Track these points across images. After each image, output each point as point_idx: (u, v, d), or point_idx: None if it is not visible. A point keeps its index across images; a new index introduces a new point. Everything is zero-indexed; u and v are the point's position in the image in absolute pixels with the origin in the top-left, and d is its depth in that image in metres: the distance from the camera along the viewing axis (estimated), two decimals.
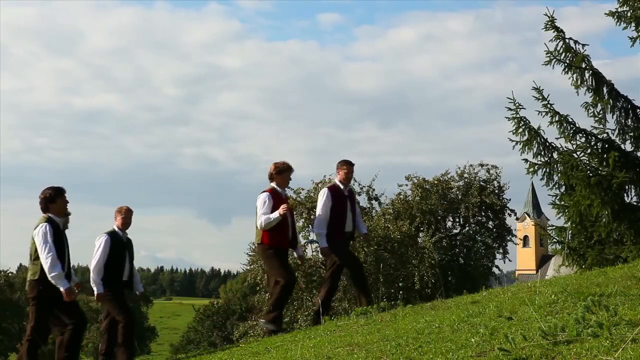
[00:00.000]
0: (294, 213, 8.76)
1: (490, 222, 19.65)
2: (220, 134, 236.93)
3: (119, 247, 7.54)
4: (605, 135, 10.35)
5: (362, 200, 18.05)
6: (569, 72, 10.34)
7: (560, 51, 10.38)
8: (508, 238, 19.87)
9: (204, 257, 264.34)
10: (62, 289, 6.60)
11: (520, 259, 68.26)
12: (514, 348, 3.43)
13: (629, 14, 10.34)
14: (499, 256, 19.78)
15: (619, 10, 10.40)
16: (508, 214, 19.75)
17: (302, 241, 15.25)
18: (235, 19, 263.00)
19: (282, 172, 7.78)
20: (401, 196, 19.01)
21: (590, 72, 10.30)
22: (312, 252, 16.96)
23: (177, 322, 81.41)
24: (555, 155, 10.28)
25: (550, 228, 11.13)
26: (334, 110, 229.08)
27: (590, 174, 9.95)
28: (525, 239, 67.80)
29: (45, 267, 6.54)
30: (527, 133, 10.30)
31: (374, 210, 18.62)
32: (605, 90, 10.30)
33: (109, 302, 7.50)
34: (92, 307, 45.20)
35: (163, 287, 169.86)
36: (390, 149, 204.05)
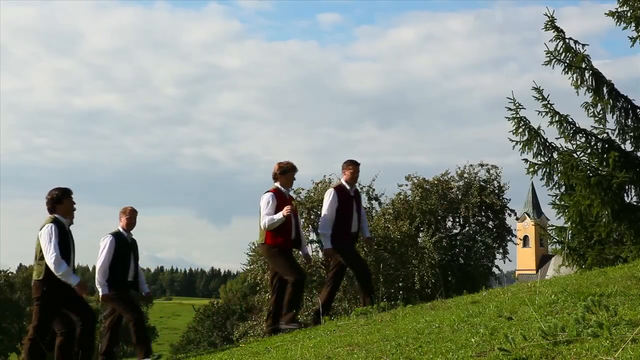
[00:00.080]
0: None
1: (490, 222, 19.66)
2: (220, 134, 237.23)
3: (124, 248, 7.53)
4: (605, 135, 10.36)
5: (363, 201, 18.05)
6: (569, 72, 10.34)
7: (560, 51, 10.38)
8: (508, 238, 19.88)
9: (204, 257, 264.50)
10: (74, 285, 6.61)
11: (520, 259, 68.27)
12: (514, 348, 3.44)
13: (629, 14, 10.34)
14: (499, 256, 19.81)
15: (619, 10, 10.40)
16: (508, 214, 19.77)
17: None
18: (235, 19, 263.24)
19: (286, 172, 7.73)
20: (401, 196, 19.03)
21: (590, 72, 10.30)
22: (312, 252, 16.98)
23: (177, 322, 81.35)
24: (555, 155, 10.28)
25: (550, 228, 11.13)
26: (334, 110, 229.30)
27: (590, 174, 9.95)
28: (525, 239, 67.82)
29: (51, 267, 6.53)
30: (527, 133, 10.30)
31: (374, 210, 18.64)
32: (605, 90, 10.30)
33: (115, 302, 7.50)
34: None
35: (163, 287, 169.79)
36: (390, 149, 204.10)
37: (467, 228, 19.68)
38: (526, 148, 10.30)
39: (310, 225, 17.58)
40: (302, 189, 17.94)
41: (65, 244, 6.69)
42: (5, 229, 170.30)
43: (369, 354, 4.21)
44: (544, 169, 10.27)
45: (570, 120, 10.31)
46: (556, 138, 10.38)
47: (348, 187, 7.94)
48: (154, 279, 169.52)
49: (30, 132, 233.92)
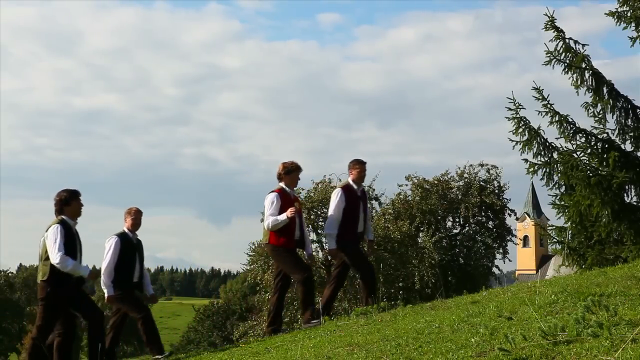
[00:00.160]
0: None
1: (490, 222, 19.69)
2: (220, 134, 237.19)
3: (129, 248, 7.51)
4: (605, 135, 10.35)
5: None
6: (569, 72, 10.33)
7: (560, 51, 10.38)
8: (508, 238, 19.91)
9: (204, 257, 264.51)
10: (85, 275, 6.70)
11: (520, 259, 68.24)
12: (514, 348, 3.44)
13: (629, 14, 10.33)
14: (499, 256, 19.85)
15: (619, 10, 10.39)
16: (508, 214, 19.80)
17: None
18: (235, 19, 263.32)
19: (290, 172, 7.70)
20: (401, 196, 19.05)
21: (590, 72, 10.30)
22: (312, 252, 16.95)
23: (177, 322, 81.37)
24: (555, 155, 10.27)
25: (550, 228, 11.13)
26: (334, 110, 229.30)
27: (590, 174, 9.95)
28: (525, 239, 67.79)
29: (58, 266, 6.53)
30: (527, 133, 10.30)
31: (374, 210, 18.64)
32: (605, 90, 10.30)
33: (121, 303, 7.49)
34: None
35: (163, 287, 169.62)
36: (390, 149, 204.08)
37: (467, 228, 19.70)
38: (526, 148, 10.30)
39: (310, 226, 17.58)
40: (302, 189, 17.95)
41: (72, 245, 6.70)
42: (5, 229, 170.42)
43: (369, 354, 4.21)
44: (544, 169, 10.27)
45: (570, 120, 10.31)
46: (556, 138, 10.39)
47: (355, 186, 7.86)
48: (154, 279, 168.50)
49: (30, 132, 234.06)
